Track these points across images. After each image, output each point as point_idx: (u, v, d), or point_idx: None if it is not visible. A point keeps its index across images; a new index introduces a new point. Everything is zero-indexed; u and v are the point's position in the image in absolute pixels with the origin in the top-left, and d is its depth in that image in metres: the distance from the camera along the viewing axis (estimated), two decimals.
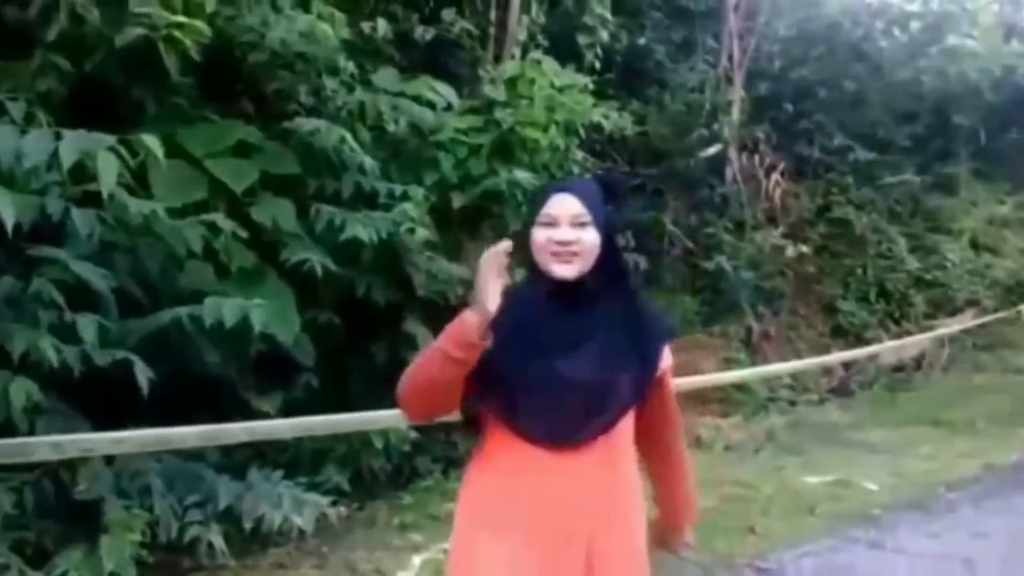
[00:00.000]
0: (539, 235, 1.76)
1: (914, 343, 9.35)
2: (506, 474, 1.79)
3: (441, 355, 1.66)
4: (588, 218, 1.75)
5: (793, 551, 4.24)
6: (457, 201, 5.13)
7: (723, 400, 8.03)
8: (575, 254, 1.74)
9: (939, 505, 5.14)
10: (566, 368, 1.73)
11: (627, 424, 1.83)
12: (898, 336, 9.66)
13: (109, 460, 3.46)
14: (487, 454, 1.82)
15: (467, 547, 1.82)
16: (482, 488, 1.83)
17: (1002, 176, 12.06)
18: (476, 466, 1.85)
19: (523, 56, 5.89)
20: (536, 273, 1.79)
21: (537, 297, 1.79)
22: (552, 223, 1.75)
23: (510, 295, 1.77)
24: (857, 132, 10.76)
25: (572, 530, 1.75)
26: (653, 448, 1.94)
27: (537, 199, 1.82)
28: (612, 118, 6.29)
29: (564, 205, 1.75)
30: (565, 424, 1.74)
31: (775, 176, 10.26)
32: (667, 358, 1.88)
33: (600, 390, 1.76)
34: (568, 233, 1.74)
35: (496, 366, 1.71)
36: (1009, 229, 11.47)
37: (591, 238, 1.76)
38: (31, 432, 3.08)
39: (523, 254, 1.79)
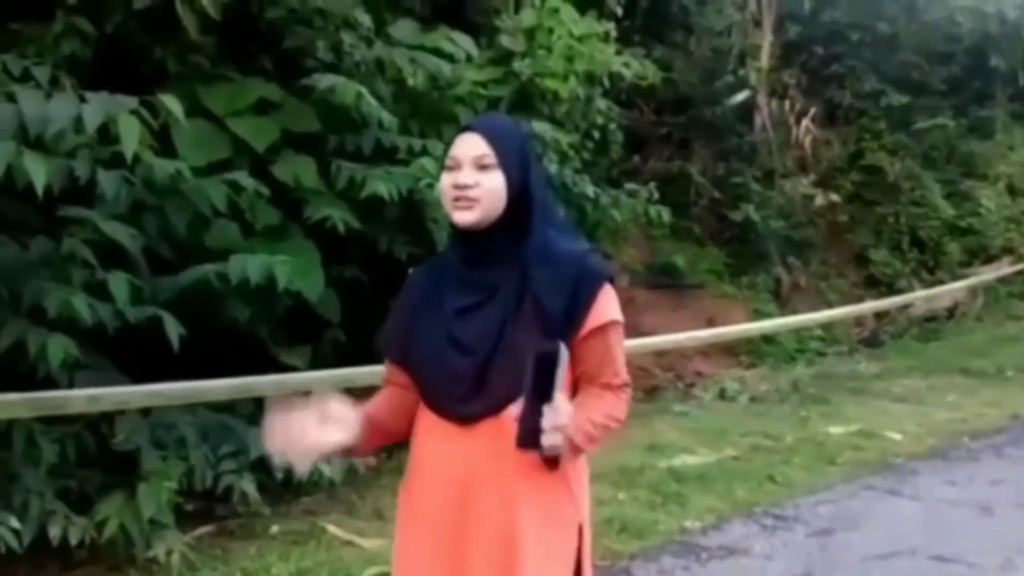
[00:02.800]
0: (444, 180, 1.58)
1: (947, 292, 9.25)
2: (421, 449, 1.63)
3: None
4: (492, 159, 1.54)
5: (810, 498, 4.30)
6: None
7: (751, 352, 8.06)
8: (474, 199, 1.53)
9: (961, 454, 5.17)
10: (459, 331, 1.55)
11: None
12: (931, 285, 9.55)
13: (145, 413, 3.58)
14: (416, 424, 1.65)
15: (400, 512, 1.68)
16: (410, 458, 1.66)
17: None
18: (412, 435, 1.68)
19: (542, 4, 5.81)
20: (451, 225, 1.62)
21: (451, 254, 1.66)
22: (455, 166, 1.56)
23: (444, 252, 1.72)
24: (890, 75, 10.50)
25: (474, 510, 1.54)
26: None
27: (453, 141, 1.62)
28: (633, 66, 6.20)
29: (466, 145, 1.56)
30: (462, 394, 1.54)
31: (805, 122, 10.08)
32: (603, 311, 1.55)
33: (492, 356, 1.52)
34: (467, 175, 1.53)
35: (407, 333, 1.62)
36: None
37: (494, 182, 1.54)
38: (70, 386, 3.21)
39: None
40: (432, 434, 1.60)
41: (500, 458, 1.51)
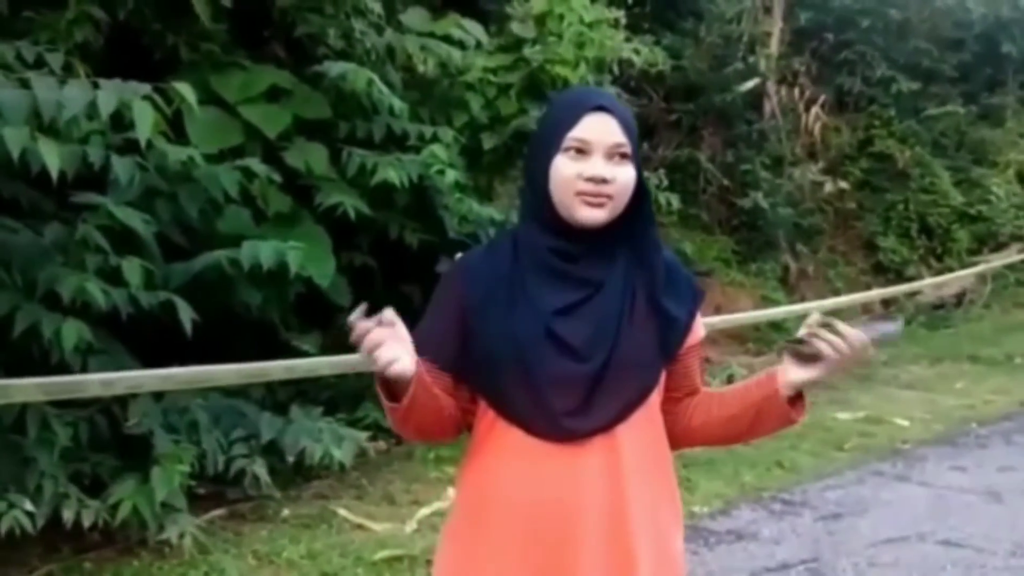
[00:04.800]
0: (564, 167, 1.30)
1: (955, 279, 9.22)
2: (494, 474, 1.35)
3: (388, 410, 1.30)
4: (628, 150, 1.31)
5: (818, 484, 4.32)
6: (487, 142, 5.14)
7: (759, 339, 8.05)
8: (608, 196, 1.30)
9: (969, 440, 5.18)
10: (563, 331, 1.31)
11: (652, 412, 1.38)
12: (940, 273, 9.52)
13: (158, 397, 3.62)
14: (478, 447, 1.39)
15: (456, 558, 1.40)
16: (473, 490, 1.40)
17: None
18: (467, 461, 1.43)
19: None
20: (543, 211, 1.34)
21: (536, 243, 1.35)
22: (585, 150, 1.30)
23: (501, 237, 1.44)
24: (901, 62, 10.42)
25: (575, 550, 1.30)
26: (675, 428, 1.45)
27: (561, 114, 1.34)
28: (643, 53, 6.18)
29: (601, 129, 1.30)
30: (566, 407, 1.30)
31: (815, 110, 10.04)
32: (700, 324, 1.44)
33: (608, 362, 1.30)
34: (604, 168, 1.29)
35: (478, 332, 1.34)
36: None
37: (628, 176, 1.32)
38: (83, 370, 3.23)
39: (531, 186, 1.37)
40: (513, 456, 1.33)
41: (611, 483, 1.31)
